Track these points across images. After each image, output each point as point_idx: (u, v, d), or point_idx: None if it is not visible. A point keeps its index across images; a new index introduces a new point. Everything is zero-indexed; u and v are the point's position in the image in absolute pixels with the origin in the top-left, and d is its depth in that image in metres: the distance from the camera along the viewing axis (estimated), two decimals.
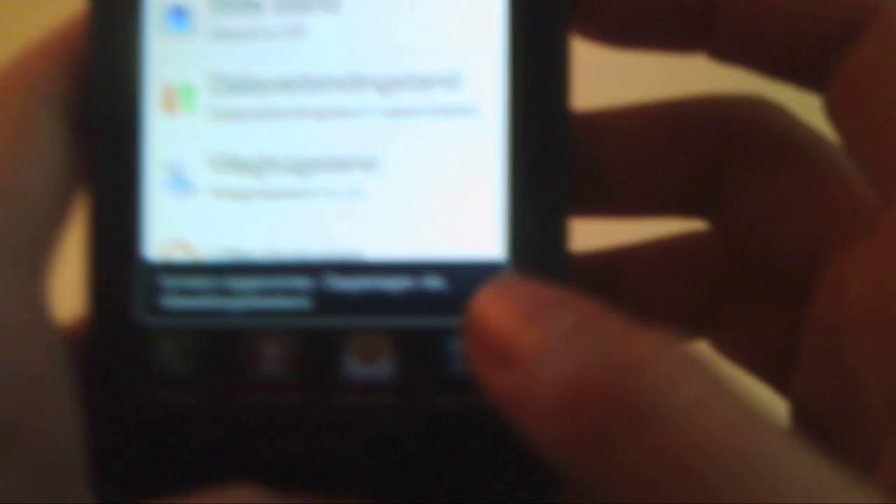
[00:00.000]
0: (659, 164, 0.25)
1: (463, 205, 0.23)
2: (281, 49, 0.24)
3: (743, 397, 0.17)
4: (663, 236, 0.26)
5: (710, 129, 0.24)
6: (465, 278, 0.23)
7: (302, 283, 0.23)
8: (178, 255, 0.24)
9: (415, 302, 0.23)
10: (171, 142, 0.24)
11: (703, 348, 0.25)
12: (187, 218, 0.24)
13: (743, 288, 0.25)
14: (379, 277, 0.23)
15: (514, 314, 0.19)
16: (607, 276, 0.26)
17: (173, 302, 0.24)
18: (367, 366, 0.23)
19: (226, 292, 0.23)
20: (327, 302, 0.23)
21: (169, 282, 0.24)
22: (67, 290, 0.24)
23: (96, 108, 0.23)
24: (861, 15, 0.21)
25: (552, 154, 0.23)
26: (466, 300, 0.23)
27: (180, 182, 0.24)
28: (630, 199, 0.25)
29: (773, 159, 0.24)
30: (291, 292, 0.23)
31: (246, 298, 0.23)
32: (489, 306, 0.19)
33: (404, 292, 0.23)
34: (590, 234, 0.24)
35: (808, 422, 0.22)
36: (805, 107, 0.24)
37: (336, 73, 0.23)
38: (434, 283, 0.23)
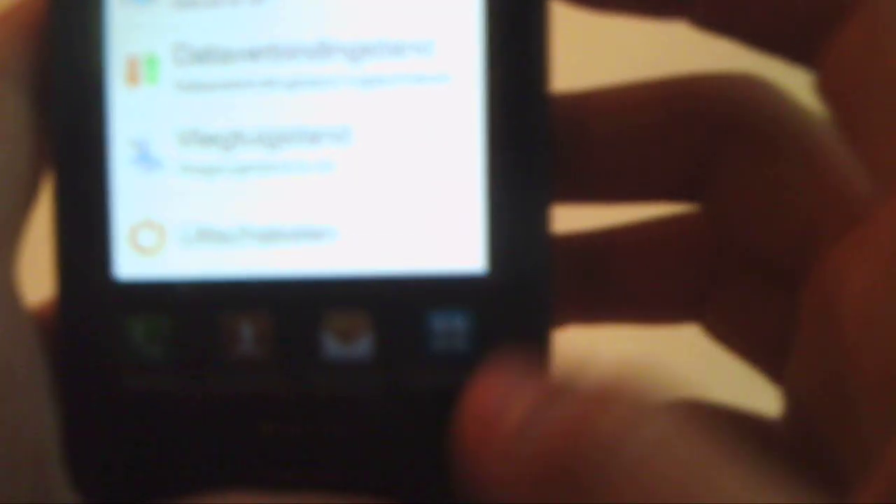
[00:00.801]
0: (646, 148, 0.24)
1: (439, 177, 0.22)
2: (246, 17, 0.23)
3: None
4: (653, 217, 0.25)
5: (698, 110, 0.23)
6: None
7: (276, 260, 0.23)
8: (148, 235, 0.23)
9: (392, 278, 0.22)
10: (135, 116, 0.23)
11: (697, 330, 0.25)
12: (155, 196, 0.23)
13: (735, 272, 0.24)
14: (355, 253, 0.22)
15: (487, 406, 0.19)
16: (595, 259, 0.25)
17: (145, 284, 0.23)
18: (346, 345, 0.22)
19: (199, 273, 0.23)
20: (303, 280, 0.23)
21: (140, 264, 0.23)
22: (34, 273, 0.23)
23: (58, 81, 0.23)
24: None
25: (532, 124, 0.22)
26: (444, 276, 0.22)
27: (147, 158, 0.23)
28: (617, 184, 0.24)
29: (764, 142, 0.23)
30: (266, 270, 0.23)
31: (220, 279, 0.23)
32: (468, 404, 0.20)
33: (381, 268, 0.22)
34: (575, 217, 0.24)
35: (802, 412, 0.22)
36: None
37: (304, 42, 0.22)
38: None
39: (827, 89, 0.21)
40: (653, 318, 0.25)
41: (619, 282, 0.25)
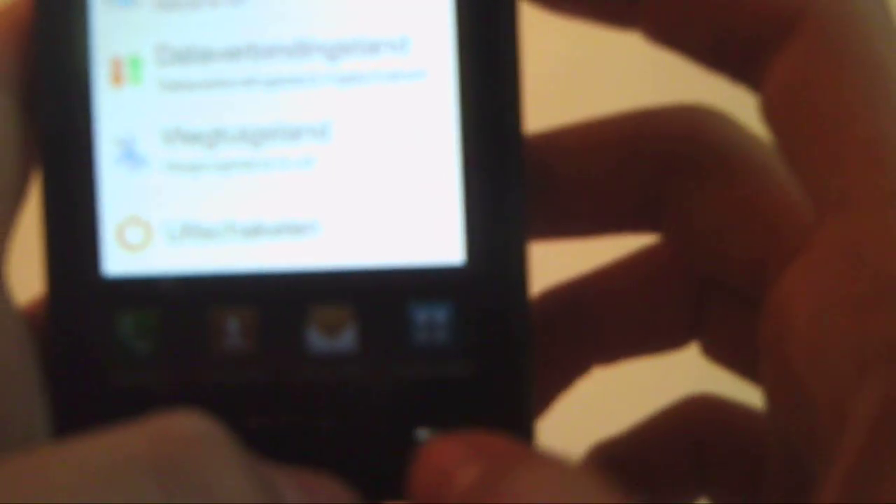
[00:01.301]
0: (606, 183, 0.24)
1: (417, 170, 0.23)
2: (226, 17, 0.23)
3: None
4: (631, 252, 0.25)
5: (649, 143, 0.24)
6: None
7: (260, 255, 0.23)
8: (135, 231, 0.23)
9: (374, 271, 0.23)
10: (120, 116, 0.23)
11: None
12: (141, 193, 0.23)
13: (712, 293, 0.25)
14: (337, 247, 0.23)
15: (432, 476, 0.21)
16: (580, 308, 0.25)
17: (132, 280, 0.23)
18: (330, 338, 0.23)
19: (185, 269, 0.23)
20: (286, 274, 0.23)
21: (127, 261, 0.23)
22: (24, 273, 0.24)
23: (44, 82, 0.23)
24: (791, 12, 0.20)
25: (506, 116, 0.22)
26: (425, 268, 0.23)
27: (132, 156, 0.23)
28: (582, 218, 0.25)
29: (711, 172, 0.23)
30: (250, 265, 0.23)
31: (205, 274, 0.23)
32: (415, 474, 0.21)
33: (363, 262, 0.23)
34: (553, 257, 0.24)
35: (778, 433, 0.22)
36: None
37: (283, 41, 0.23)
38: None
39: (768, 113, 0.21)
40: (651, 351, 0.26)
41: (610, 325, 0.25)
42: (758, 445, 0.24)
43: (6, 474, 0.17)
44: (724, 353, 0.25)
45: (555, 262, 0.25)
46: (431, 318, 0.23)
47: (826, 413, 0.19)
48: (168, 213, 0.23)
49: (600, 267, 0.26)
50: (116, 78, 0.23)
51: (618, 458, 0.26)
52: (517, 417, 0.23)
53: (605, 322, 0.25)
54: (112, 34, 0.23)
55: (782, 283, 0.21)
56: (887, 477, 0.17)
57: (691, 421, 0.26)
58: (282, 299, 0.23)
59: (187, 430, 0.19)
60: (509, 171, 0.22)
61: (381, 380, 0.23)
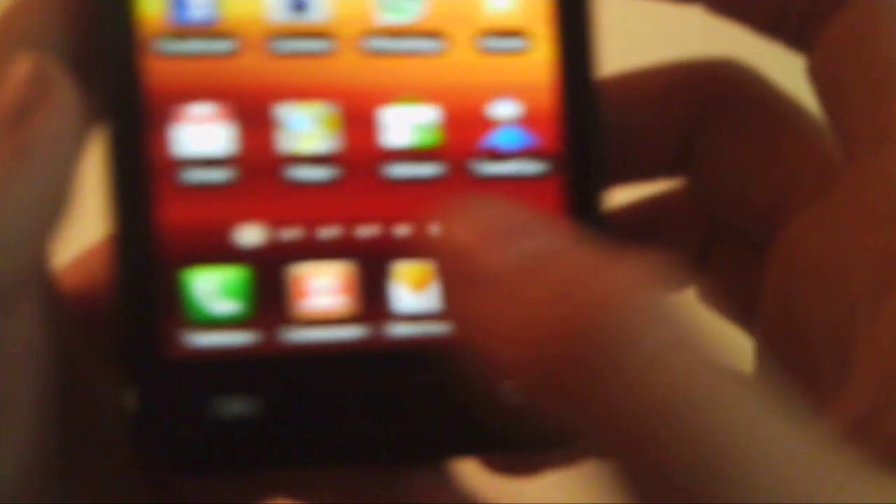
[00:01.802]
0: (643, 128, 0.25)
1: None
2: None
3: (710, 348, 0.16)
4: (650, 194, 0.26)
5: (685, 92, 0.25)
6: None
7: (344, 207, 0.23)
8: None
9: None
10: None
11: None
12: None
13: (720, 239, 0.26)
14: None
15: (483, 234, 0.17)
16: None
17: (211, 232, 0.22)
18: (416, 294, 0.23)
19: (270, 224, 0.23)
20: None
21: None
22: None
23: (106, 47, 0.22)
24: None
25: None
26: None
27: None
28: (619, 163, 0.25)
29: (741, 120, 0.24)
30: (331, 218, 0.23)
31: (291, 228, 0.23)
32: (457, 224, 0.18)
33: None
34: None
35: (766, 356, 0.23)
36: None
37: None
38: None
39: (814, 73, 0.23)
40: None
41: None
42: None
43: None
44: (721, 298, 0.26)
45: None
46: None
47: (831, 346, 0.20)
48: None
49: (607, 209, 0.26)
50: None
51: None
52: None
53: None
54: None
55: (799, 221, 0.22)
56: None
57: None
58: (367, 256, 0.23)
59: None
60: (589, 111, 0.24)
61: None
